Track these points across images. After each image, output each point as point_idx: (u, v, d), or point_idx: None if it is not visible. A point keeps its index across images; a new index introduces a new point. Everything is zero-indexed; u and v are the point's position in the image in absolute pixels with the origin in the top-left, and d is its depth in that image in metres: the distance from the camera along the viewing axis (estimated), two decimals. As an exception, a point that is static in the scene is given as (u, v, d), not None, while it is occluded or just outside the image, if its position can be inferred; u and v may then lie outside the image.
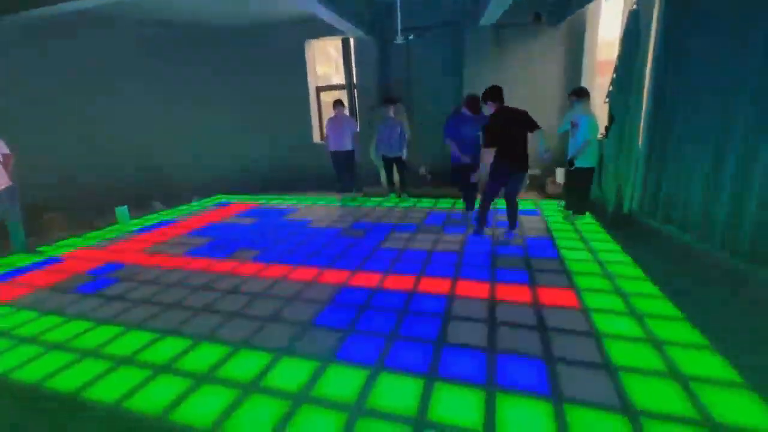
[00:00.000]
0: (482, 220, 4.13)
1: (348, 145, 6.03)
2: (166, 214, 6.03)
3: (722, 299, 2.60)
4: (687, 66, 3.58)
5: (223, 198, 7.18)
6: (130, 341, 2.45)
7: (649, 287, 2.82)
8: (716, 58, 3.24)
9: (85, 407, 1.91)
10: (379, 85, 6.95)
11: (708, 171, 3.32)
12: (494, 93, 3.82)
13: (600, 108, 5.09)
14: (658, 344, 2.13)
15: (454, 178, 4.88)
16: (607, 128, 4.63)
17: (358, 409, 1.77)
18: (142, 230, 5.13)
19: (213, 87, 8.08)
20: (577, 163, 4.40)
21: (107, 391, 2.00)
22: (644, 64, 4.08)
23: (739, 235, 3.01)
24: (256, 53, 7.72)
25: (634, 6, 4.18)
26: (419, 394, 1.84)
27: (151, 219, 5.77)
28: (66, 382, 2.09)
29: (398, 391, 1.87)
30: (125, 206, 5.63)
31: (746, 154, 2.95)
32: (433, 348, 2.19)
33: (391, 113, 5.82)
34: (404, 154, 5.98)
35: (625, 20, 4.44)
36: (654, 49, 3.96)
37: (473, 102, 4.55)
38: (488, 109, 3.91)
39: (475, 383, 1.89)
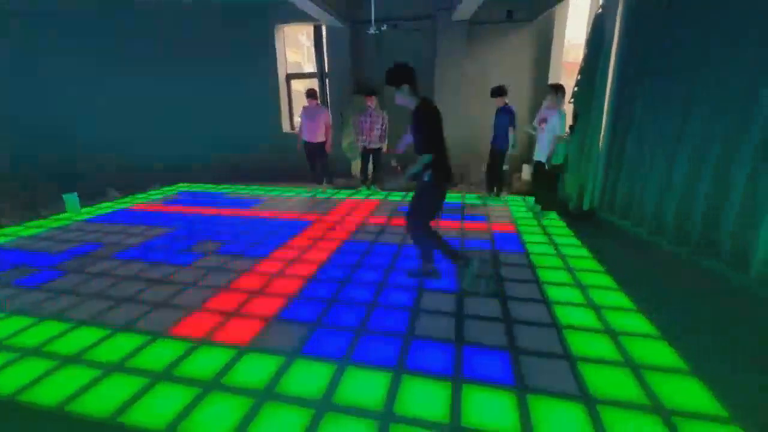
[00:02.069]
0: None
1: (321, 137, 5.91)
2: (122, 203, 5.67)
3: (672, 290, 2.77)
4: (645, 72, 3.75)
5: (184, 187, 6.83)
6: (77, 338, 2.27)
7: (606, 280, 2.96)
8: (671, 67, 3.42)
9: (25, 410, 1.75)
10: (351, 74, 6.83)
11: (662, 171, 3.52)
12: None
13: (566, 108, 5.26)
14: (613, 334, 2.24)
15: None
16: (571, 127, 4.80)
17: (324, 405, 1.73)
18: (92, 220, 4.79)
19: (176, 69, 7.65)
20: (543, 159, 4.53)
21: (50, 392, 1.85)
22: (607, 67, 4.25)
23: (688, 230, 3.22)
24: (222, 35, 7.36)
25: (600, 10, 4.33)
26: (386, 387, 1.83)
27: (105, 207, 5.40)
28: (2, 384, 1.90)
29: (366, 386, 1.85)
30: (74, 193, 5.22)
31: (696, 157, 3.15)
32: (401, 341, 2.19)
33: (373, 105, 5.75)
34: (384, 146, 5.96)
35: (591, 24, 4.59)
36: (616, 53, 4.13)
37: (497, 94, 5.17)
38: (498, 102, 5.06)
39: (442, 375, 1.90)
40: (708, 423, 1.61)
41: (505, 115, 5.06)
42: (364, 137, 5.87)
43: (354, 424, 1.63)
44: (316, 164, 6.15)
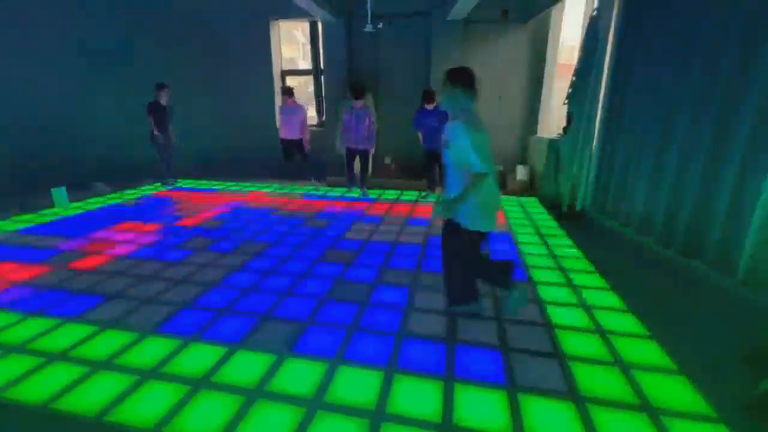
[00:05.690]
0: None
1: (298, 133, 5.93)
2: (112, 198, 5.58)
3: (661, 290, 2.80)
4: (637, 75, 3.78)
5: (178, 183, 6.74)
6: (65, 335, 2.24)
7: (597, 280, 2.98)
8: (661, 72, 3.45)
9: (8, 408, 1.71)
10: (347, 72, 6.80)
11: (651, 172, 3.56)
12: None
13: (560, 109, 5.30)
14: (603, 334, 2.26)
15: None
16: (565, 129, 4.83)
17: (316, 403, 1.72)
18: (82, 215, 4.71)
19: (168, 64, 7.54)
20: None
21: (35, 389, 1.81)
22: (601, 69, 4.28)
23: (675, 231, 3.26)
24: (216, 30, 7.26)
25: (594, 12, 4.36)
26: (378, 386, 1.83)
27: (95, 203, 5.31)
28: (-15, 382, 1.86)
29: (357, 384, 1.84)
30: (63, 187, 5.12)
31: (683, 160, 3.19)
32: (393, 340, 2.18)
33: (359, 104, 5.43)
34: (372, 148, 5.75)
35: (585, 26, 4.62)
36: (611, 55, 4.16)
37: (427, 97, 5.30)
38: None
39: (435, 374, 1.91)
40: (695, 422, 1.64)
41: (444, 116, 5.05)
42: (349, 136, 5.52)
43: (346, 423, 1.62)
44: (292, 158, 6.17)
